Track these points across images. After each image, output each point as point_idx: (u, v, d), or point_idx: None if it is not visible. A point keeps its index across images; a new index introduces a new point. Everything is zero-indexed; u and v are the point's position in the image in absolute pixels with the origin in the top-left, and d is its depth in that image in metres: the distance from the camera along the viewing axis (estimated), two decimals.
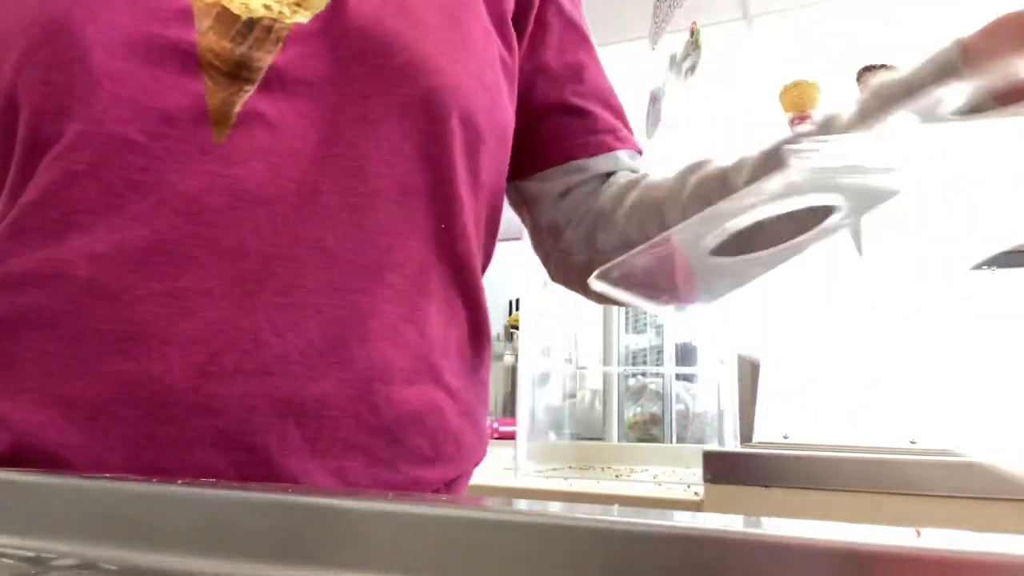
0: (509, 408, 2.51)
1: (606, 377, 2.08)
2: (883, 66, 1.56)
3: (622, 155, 0.66)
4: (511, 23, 0.60)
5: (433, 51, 0.50)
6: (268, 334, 0.44)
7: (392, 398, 0.48)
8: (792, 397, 1.45)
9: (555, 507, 0.42)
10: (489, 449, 1.98)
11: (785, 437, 1.17)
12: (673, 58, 2.20)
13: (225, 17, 0.46)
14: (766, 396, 1.30)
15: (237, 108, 0.45)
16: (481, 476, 1.68)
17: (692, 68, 2.06)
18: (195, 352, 0.43)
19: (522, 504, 0.44)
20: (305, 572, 0.34)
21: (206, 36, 0.45)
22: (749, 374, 1.39)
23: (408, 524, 0.39)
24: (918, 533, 0.38)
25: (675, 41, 2.19)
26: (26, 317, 0.44)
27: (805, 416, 1.36)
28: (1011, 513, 0.97)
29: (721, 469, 1.13)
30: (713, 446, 1.46)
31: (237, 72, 0.46)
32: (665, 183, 0.61)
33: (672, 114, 2.33)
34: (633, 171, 0.66)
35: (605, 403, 2.05)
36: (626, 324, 2.52)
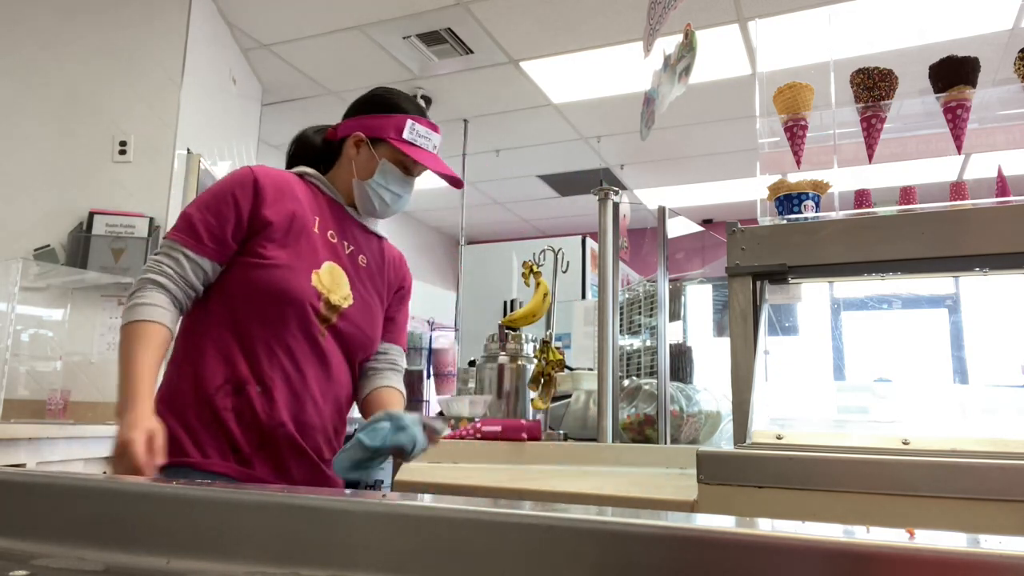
0: (500, 408, 2.52)
1: (600, 378, 2.08)
2: (876, 68, 1.57)
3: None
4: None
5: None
6: None
7: None
8: (786, 397, 1.45)
9: (551, 508, 0.42)
10: (481, 449, 1.99)
11: (779, 438, 1.17)
12: (667, 59, 2.20)
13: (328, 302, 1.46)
14: (760, 397, 1.30)
15: (325, 331, 1.46)
16: (478, 476, 1.67)
17: (686, 70, 2.07)
18: None
19: (517, 504, 0.44)
20: (304, 572, 0.34)
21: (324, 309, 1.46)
22: (743, 375, 1.40)
23: (405, 524, 0.39)
24: (911, 533, 0.38)
25: (669, 43, 2.20)
26: None
27: (799, 417, 1.36)
28: (1003, 514, 0.97)
29: (715, 470, 1.13)
30: (708, 447, 1.46)
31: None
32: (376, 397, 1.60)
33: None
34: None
35: (599, 404, 2.05)
36: (620, 326, 2.52)
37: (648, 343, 2.90)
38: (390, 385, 1.59)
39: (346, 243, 1.53)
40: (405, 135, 1.52)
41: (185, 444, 1.33)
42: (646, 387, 2.20)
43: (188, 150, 3.71)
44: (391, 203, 1.57)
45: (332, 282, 1.46)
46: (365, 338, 1.53)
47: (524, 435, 2.00)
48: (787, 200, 1.56)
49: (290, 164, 1.62)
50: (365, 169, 1.54)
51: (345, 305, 1.46)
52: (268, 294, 1.39)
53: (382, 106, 1.56)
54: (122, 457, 1.18)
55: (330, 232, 1.50)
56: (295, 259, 1.42)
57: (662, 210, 2.28)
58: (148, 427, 1.21)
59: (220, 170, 4.17)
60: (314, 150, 1.61)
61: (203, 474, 1.31)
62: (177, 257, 1.38)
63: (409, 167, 1.55)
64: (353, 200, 1.57)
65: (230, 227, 1.40)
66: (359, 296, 1.51)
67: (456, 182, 1.58)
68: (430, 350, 3.86)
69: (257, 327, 1.39)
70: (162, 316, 1.34)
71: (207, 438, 1.34)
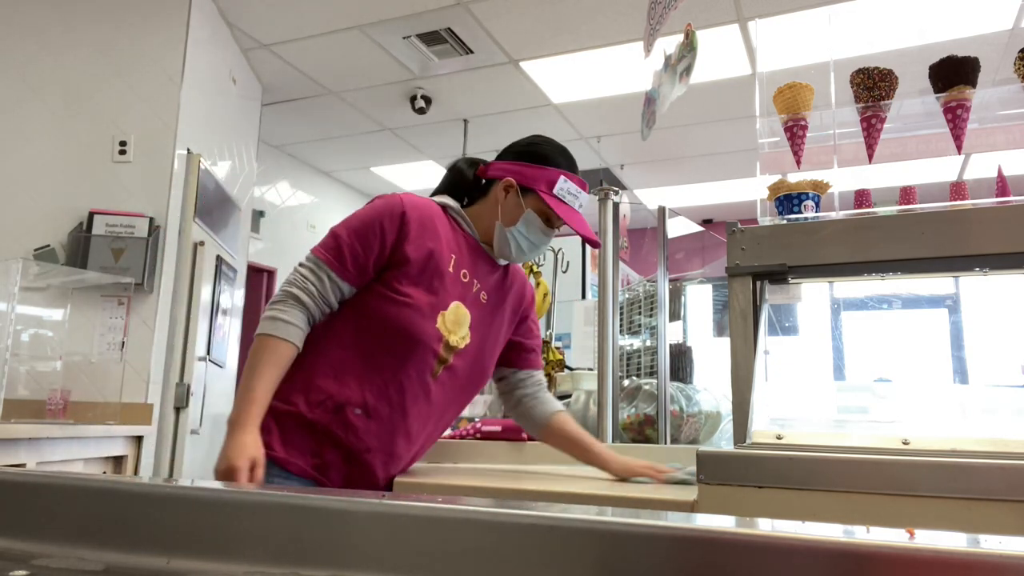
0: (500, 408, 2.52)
1: (600, 378, 2.08)
2: (876, 68, 1.57)
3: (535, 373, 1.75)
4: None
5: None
6: None
7: None
8: (786, 397, 1.45)
9: (551, 508, 0.43)
10: (481, 448, 2.01)
11: (779, 438, 1.17)
12: (668, 59, 2.20)
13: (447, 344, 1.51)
14: (760, 397, 1.30)
15: (439, 371, 1.50)
16: (478, 476, 1.66)
17: (687, 70, 2.07)
18: None
19: (517, 504, 0.44)
20: (304, 572, 0.34)
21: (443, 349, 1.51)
22: (743, 375, 1.40)
23: (405, 525, 0.39)
24: (911, 533, 0.38)
25: (670, 43, 2.20)
26: None
27: (799, 417, 1.36)
28: (1002, 514, 0.97)
29: (715, 470, 1.13)
30: (708, 447, 1.47)
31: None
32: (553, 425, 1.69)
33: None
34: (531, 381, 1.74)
35: (599, 404, 2.05)
36: (620, 326, 2.51)
37: (648, 343, 2.90)
38: (561, 410, 1.70)
39: (475, 282, 1.57)
40: (555, 190, 1.55)
41: (273, 439, 1.42)
42: (646, 387, 2.20)
43: (188, 150, 3.71)
44: (527, 251, 1.60)
45: (455, 322, 1.51)
46: (476, 376, 1.59)
47: (524, 435, 2.00)
48: (787, 200, 1.56)
49: (438, 191, 1.67)
50: (510, 216, 1.57)
51: (462, 345, 1.52)
52: (394, 331, 1.45)
53: (538, 157, 1.59)
54: (225, 477, 1.31)
55: (463, 272, 1.55)
56: (425, 299, 1.47)
57: (662, 210, 2.28)
58: (252, 455, 1.33)
59: (220, 170, 4.17)
60: (465, 183, 1.65)
61: (281, 470, 1.41)
62: (322, 277, 1.46)
63: (552, 220, 1.58)
64: (489, 238, 1.60)
65: (373, 257, 1.47)
66: (476, 335, 1.55)
67: (594, 243, 1.63)
68: None
69: (377, 357, 1.46)
70: (294, 335, 1.43)
71: (295, 439, 1.43)
